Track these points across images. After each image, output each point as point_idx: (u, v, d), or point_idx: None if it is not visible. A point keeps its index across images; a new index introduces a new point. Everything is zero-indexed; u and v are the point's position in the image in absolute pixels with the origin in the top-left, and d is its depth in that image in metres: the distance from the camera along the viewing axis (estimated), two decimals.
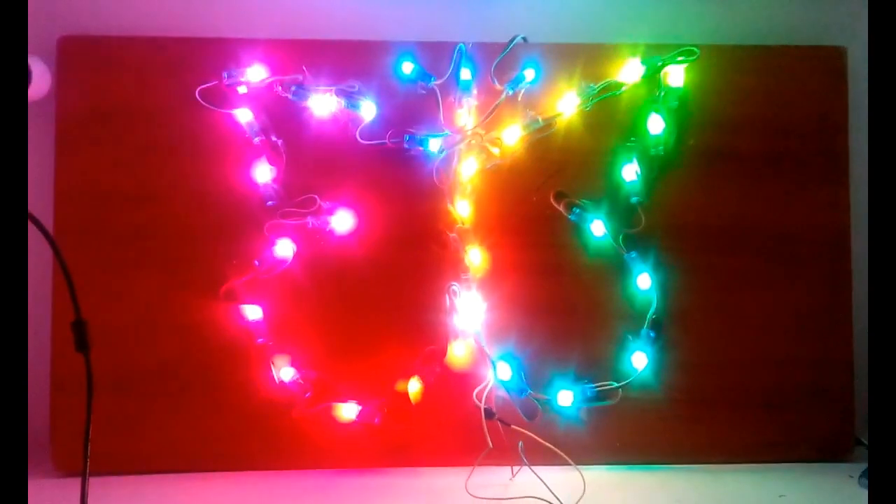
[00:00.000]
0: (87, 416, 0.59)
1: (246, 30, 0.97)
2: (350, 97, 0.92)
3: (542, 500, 0.80)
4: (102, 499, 0.59)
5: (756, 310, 0.96)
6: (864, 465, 0.89)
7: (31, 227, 0.59)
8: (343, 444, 0.91)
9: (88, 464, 0.58)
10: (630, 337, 0.94)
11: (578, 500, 0.80)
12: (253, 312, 0.91)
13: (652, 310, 0.93)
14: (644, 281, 0.94)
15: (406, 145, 0.93)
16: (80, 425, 0.59)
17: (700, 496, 0.85)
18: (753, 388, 0.95)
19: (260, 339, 0.91)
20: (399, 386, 0.91)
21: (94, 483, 0.62)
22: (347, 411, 0.90)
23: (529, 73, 0.94)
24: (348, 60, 0.94)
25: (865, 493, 0.84)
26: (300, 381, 0.90)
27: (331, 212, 0.92)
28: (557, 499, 0.79)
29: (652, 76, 0.95)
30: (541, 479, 0.82)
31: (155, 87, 0.93)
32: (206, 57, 0.93)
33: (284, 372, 0.90)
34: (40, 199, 0.90)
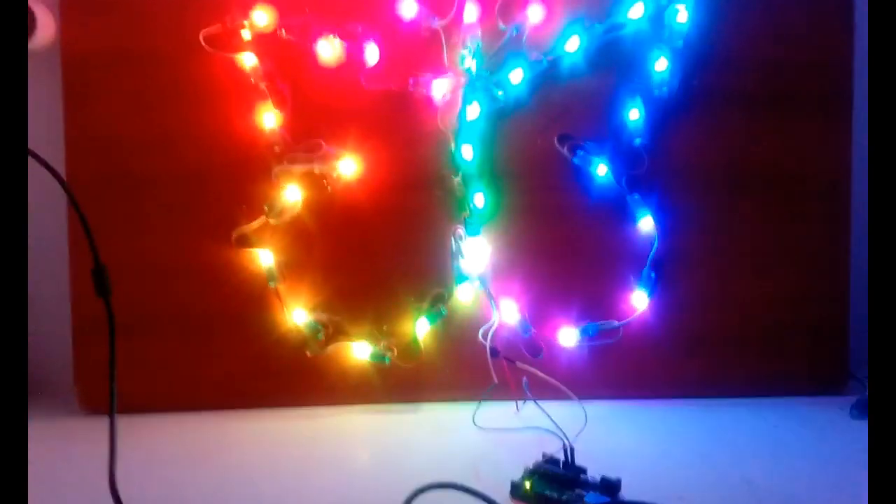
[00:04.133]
0: (110, 358, 0.61)
1: None
2: (354, 41, 0.92)
3: (546, 430, 0.83)
4: (126, 436, 0.62)
5: (756, 248, 0.97)
6: (856, 398, 0.92)
7: (46, 175, 0.59)
8: (355, 381, 0.94)
9: (115, 404, 0.61)
10: (632, 277, 0.96)
11: (580, 432, 0.83)
12: (264, 257, 0.93)
13: (653, 250, 0.95)
14: (646, 222, 0.95)
15: (410, 89, 0.93)
16: (103, 366, 0.61)
17: (696, 428, 0.88)
18: (751, 324, 0.97)
19: (272, 283, 0.93)
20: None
21: (118, 421, 0.65)
22: (359, 350, 0.93)
23: (534, 13, 0.93)
24: (351, 3, 0.93)
25: (856, 423, 0.88)
26: (313, 322, 0.93)
27: (336, 157, 0.93)
28: (560, 430, 0.81)
29: (656, 15, 0.94)
30: (544, 412, 0.85)
31: (159, 31, 0.92)
32: (210, 0, 0.92)
33: (297, 314, 0.93)
34: (52, 146, 0.90)
